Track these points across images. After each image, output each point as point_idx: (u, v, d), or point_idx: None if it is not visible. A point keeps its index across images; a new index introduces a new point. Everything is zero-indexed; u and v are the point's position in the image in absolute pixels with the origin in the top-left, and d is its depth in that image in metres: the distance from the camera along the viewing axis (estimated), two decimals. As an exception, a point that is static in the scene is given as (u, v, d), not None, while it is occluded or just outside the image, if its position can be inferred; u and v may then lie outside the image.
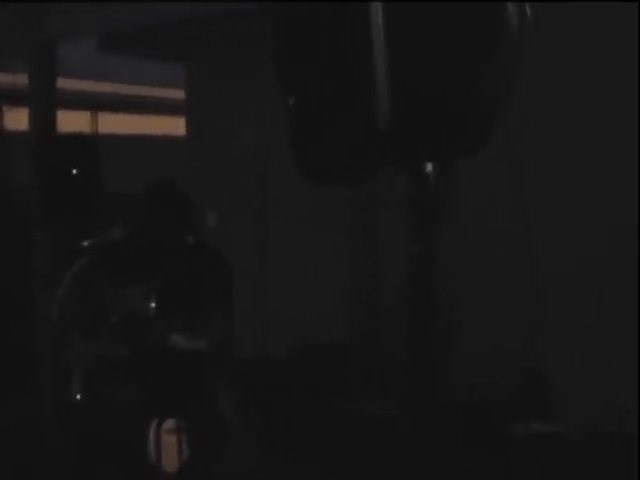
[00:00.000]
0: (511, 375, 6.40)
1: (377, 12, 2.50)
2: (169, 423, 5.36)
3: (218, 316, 5.38)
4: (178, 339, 5.19)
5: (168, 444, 5.28)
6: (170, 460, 5.32)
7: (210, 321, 5.33)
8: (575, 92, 6.34)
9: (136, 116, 9.97)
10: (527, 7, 2.57)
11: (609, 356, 6.26)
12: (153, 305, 5.13)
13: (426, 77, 2.49)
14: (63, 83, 7.96)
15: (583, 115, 6.34)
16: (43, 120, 7.24)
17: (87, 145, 6.39)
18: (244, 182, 7.90)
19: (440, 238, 2.61)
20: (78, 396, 4.43)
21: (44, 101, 7.30)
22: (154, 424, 5.33)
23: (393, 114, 2.43)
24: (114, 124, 9.67)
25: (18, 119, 8.16)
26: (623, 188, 6.18)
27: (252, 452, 6.53)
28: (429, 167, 2.54)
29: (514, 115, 2.71)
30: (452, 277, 6.12)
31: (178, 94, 8.83)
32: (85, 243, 4.75)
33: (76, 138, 6.55)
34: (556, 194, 6.37)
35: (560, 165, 6.41)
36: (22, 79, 7.88)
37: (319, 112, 2.57)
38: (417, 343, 2.78)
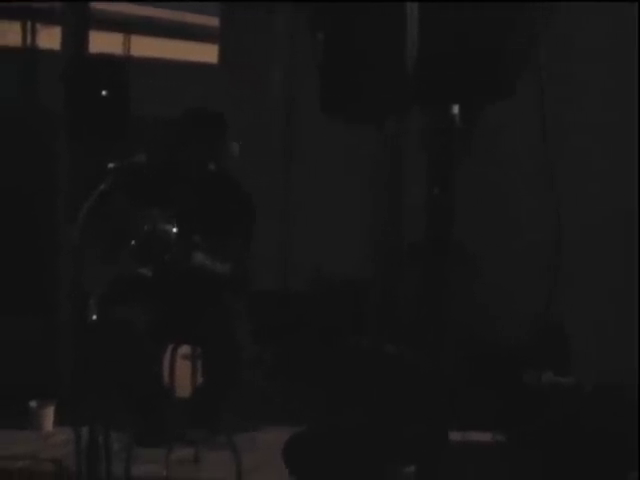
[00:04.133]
0: (526, 324, 6.41)
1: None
2: (184, 349, 5.42)
3: (238, 241, 5.41)
4: (199, 258, 5.22)
5: (182, 369, 5.34)
6: (183, 385, 5.39)
7: (231, 244, 5.36)
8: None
9: (169, 40, 9.91)
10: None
11: (627, 310, 6.26)
12: (174, 228, 5.15)
13: (456, 19, 2.46)
14: (97, 4, 7.91)
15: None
16: (75, 40, 7.22)
17: (118, 67, 6.36)
18: (271, 116, 7.87)
19: (461, 182, 2.60)
20: (94, 317, 4.46)
21: (77, 20, 7.27)
22: (169, 349, 5.39)
23: (422, 54, 2.41)
24: (146, 47, 9.62)
25: (51, 37, 8.13)
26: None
27: (264, 383, 6.59)
28: (455, 109, 2.52)
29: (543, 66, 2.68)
30: (471, 222, 6.11)
31: (212, 21, 8.78)
32: (110, 165, 4.75)
33: (107, 60, 6.51)
34: (582, 146, 6.34)
35: (586, 119, 6.39)
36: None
37: (348, 49, 2.54)
38: (434, 285, 2.78)
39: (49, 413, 6.44)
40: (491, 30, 2.48)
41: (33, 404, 6.44)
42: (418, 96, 2.50)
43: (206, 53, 8.99)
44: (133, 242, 5.15)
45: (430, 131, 2.58)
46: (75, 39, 7.21)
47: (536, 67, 2.67)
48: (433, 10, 2.40)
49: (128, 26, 9.89)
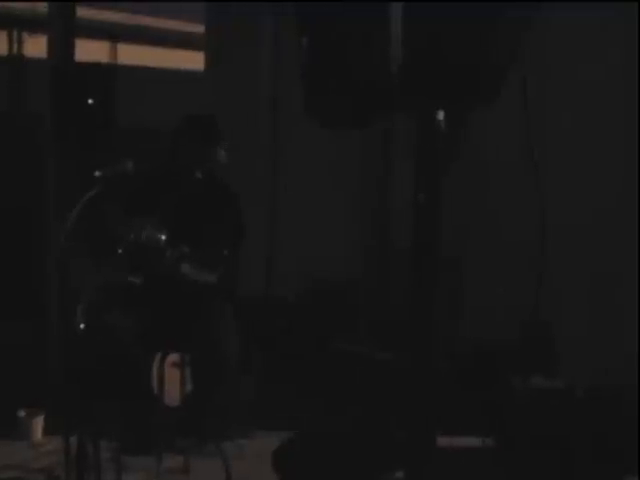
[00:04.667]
0: (514, 327, 6.41)
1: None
2: (173, 356, 5.41)
3: (225, 250, 5.41)
4: (186, 269, 5.22)
5: (171, 377, 5.32)
6: (172, 393, 5.37)
7: (217, 254, 5.36)
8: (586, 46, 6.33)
9: (155, 48, 9.93)
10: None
11: (614, 310, 6.26)
12: (162, 236, 5.15)
13: (441, 20, 2.46)
14: (83, 12, 7.91)
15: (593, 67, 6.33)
16: (62, 48, 7.20)
17: (105, 75, 6.37)
18: (258, 120, 7.87)
19: (447, 188, 2.60)
20: (82, 325, 4.46)
21: (63, 29, 7.25)
22: (158, 357, 5.38)
23: (406, 57, 2.40)
24: (132, 55, 9.64)
25: (37, 46, 8.13)
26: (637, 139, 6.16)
27: (253, 389, 6.57)
28: (440, 114, 2.52)
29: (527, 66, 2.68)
30: (457, 227, 6.13)
31: (197, 28, 8.80)
32: (97, 173, 4.74)
33: (94, 68, 6.51)
34: (567, 146, 6.35)
35: (570, 119, 6.40)
36: (42, 6, 7.83)
37: (331, 53, 2.54)
38: (421, 290, 2.78)
39: (38, 422, 6.40)
40: (475, 32, 2.48)
41: (22, 413, 6.41)
42: (403, 100, 2.50)
43: (192, 60, 9.01)
44: (120, 250, 5.15)
45: (415, 136, 2.58)
46: (61, 47, 7.18)
47: (520, 68, 2.66)
48: (417, 13, 2.40)
49: (114, 34, 9.90)
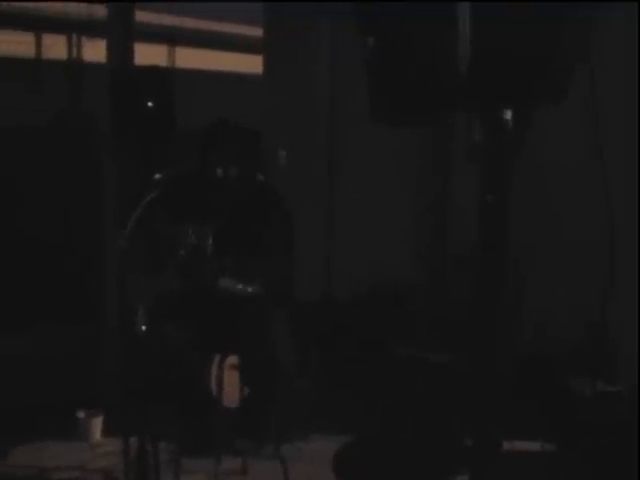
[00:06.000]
0: (576, 331, 6.34)
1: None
2: (232, 359, 5.41)
3: (270, 258, 5.40)
4: (225, 283, 5.23)
5: (230, 380, 5.33)
6: (231, 395, 5.38)
7: (260, 264, 5.35)
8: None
9: (213, 52, 9.94)
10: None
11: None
12: (210, 242, 5.17)
13: (509, 21, 2.44)
14: (141, 16, 7.95)
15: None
16: (121, 52, 7.25)
17: (163, 79, 6.38)
18: (316, 123, 7.86)
19: (514, 188, 2.58)
20: (143, 327, 4.48)
21: (122, 33, 7.30)
22: (217, 359, 5.39)
23: (474, 57, 2.38)
24: (191, 59, 9.66)
25: (96, 50, 8.18)
26: None
27: (311, 392, 6.56)
28: (507, 113, 2.49)
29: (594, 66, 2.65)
30: (521, 228, 6.06)
31: (256, 32, 8.80)
32: (155, 177, 4.76)
33: (153, 71, 6.53)
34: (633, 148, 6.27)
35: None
36: (100, 10, 7.89)
37: (399, 53, 2.52)
38: (483, 293, 2.75)
39: (97, 423, 6.44)
40: (543, 31, 2.45)
41: (81, 415, 6.46)
42: (470, 99, 2.48)
43: (250, 64, 9.02)
44: (174, 256, 5.18)
45: (483, 136, 2.55)
46: (120, 51, 7.24)
47: (587, 68, 2.63)
48: (485, 12, 2.38)
49: (172, 37, 9.93)
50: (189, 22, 10.01)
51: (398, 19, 2.48)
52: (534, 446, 5.78)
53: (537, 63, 2.47)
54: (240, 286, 5.27)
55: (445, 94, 2.48)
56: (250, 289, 5.29)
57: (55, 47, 9.08)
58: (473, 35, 2.40)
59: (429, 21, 2.43)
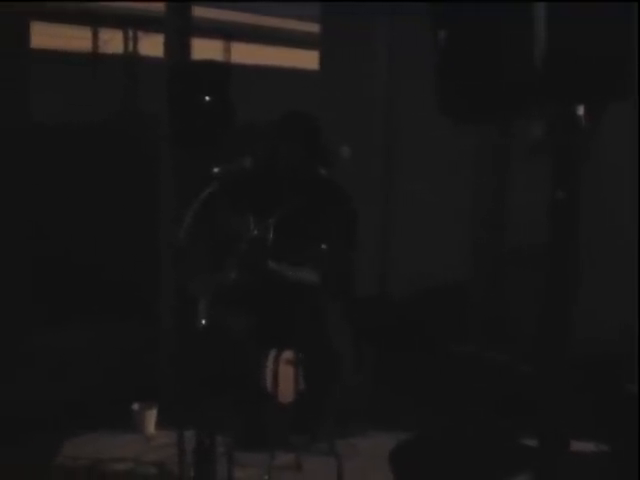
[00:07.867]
0: (628, 330, 6.28)
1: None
2: (288, 354, 5.41)
3: (334, 255, 5.37)
4: (287, 275, 5.22)
5: (285, 374, 5.32)
6: (286, 390, 5.37)
7: (322, 260, 5.33)
8: None
9: (269, 47, 9.97)
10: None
11: None
12: (270, 235, 5.16)
13: (585, 17, 2.42)
14: (198, 11, 7.98)
15: None
16: (178, 47, 7.28)
17: (221, 73, 6.39)
18: (372, 119, 7.84)
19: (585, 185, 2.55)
20: (203, 321, 4.49)
21: (179, 27, 7.33)
22: (272, 354, 5.38)
23: (550, 53, 2.36)
24: (247, 54, 9.70)
25: (153, 45, 8.23)
26: None
27: (367, 388, 6.55)
28: (580, 109, 2.47)
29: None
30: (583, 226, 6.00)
31: (313, 28, 8.80)
32: (215, 170, 4.77)
33: (210, 66, 6.55)
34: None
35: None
36: (157, 5, 7.94)
37: (472, 51, 2.50)
38: (552, 292, 2.73)
39: (152, 416, 6.49)
40: (617, 29, 2.43)
41: (136, 407, 6.50)
42: (544, 97, 2.45)
43: (307, 59, 9.03)
44: (235, 249, 5.18)
45: (555, 132, 2.53)
46: (178, 46, 7.27)
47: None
48: (560, 8, 2.36)
49: (228, 33, 9.98)
50: (246, 17, 10.05)
51: (471, 17, 2.47)
52: (588, 447, 5.72)
53: (611, 59, 2.45)
54: (301, 278, 5.26)
55: (519, 91, 2.45)
56: (311, 281, 5.28)
57: (112, 42, 9.16)
58: (549, 33, 2.37)
59: (503, 20, 2.42)
